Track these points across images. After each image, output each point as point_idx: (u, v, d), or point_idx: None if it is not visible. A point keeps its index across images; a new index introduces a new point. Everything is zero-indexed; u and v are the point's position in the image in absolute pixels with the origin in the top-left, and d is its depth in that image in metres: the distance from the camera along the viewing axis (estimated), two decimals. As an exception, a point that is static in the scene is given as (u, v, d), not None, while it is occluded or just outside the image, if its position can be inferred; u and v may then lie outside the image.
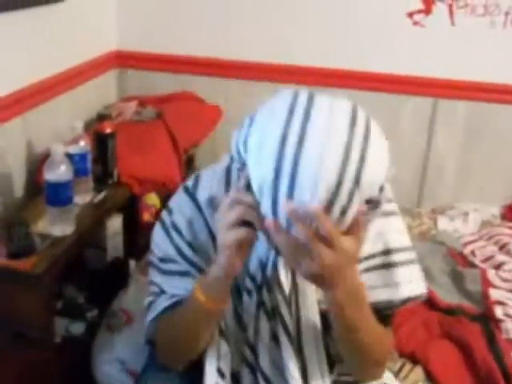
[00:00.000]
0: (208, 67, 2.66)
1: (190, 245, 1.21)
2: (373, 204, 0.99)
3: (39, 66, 2.06)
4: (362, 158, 0.92)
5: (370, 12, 2.47)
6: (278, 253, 1.03)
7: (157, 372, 1.31)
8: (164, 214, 1.26)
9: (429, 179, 2.69)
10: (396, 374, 1.62)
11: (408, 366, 1.67)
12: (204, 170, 1.27)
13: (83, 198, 1.81)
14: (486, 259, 2.13)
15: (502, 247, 2.20)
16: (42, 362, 1.62)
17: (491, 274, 1.99)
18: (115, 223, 2.06)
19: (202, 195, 1.20)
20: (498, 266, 2.07)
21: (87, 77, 2.40)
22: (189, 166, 2.58)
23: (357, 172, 0.91)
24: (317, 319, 1.20)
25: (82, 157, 1.78)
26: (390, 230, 1.20)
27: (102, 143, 1.91)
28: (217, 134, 2.62)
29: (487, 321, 1.80)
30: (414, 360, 1.69)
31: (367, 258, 1.19)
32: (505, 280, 1.95)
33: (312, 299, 1.19)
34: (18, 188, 1.96)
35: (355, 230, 0.97)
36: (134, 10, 2.65)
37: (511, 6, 2.38)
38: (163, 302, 1.24)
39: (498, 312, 1.80)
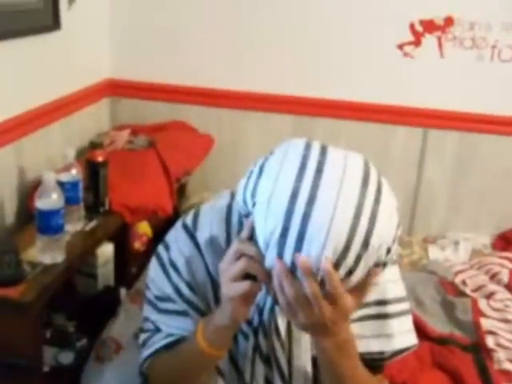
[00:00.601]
0: (200, 96, 2.69)
1: (188, 284, 1.18)
2: (379, 266, 0.98)
3: (32, 93, 2.07)
4: (372, 222, 0.90)
5: (361, 43, 2.51)
6: (275, 302, 1.01)
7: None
8: (161, 250, 1.24)
9: (420, 209, 2.70)
10: (388, 405, 1.61)
11: (400, 397, 1.67)
12: (203, 206, 1.25)
13: (74, 226, 1.81)
14: (477, 288, 2.13)
15: (493, 276, 2.20)
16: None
17: (482, 303, 1.98)
18: (106, 251, 2.05)
19: (202, 235, 1.18)
20: (489, 296, 2.07)
21: (80, 105, 2.42)
22: (180, 194, 2.59)
23: (366, 235, 0.90)
24: (309, 364, 1.19)
25: (74, 185, 1.78)
26: (386, 280, 1.19)
27: (93, 172, 1.91)
28: (208, 162, 2.63)
29: (479, 351, 1.79)
30: (406, 390, 1.68)
31: (362, 306, 1.16)
32: (496, 309, 1.95)
33: (306, 344, 1.18)
34: (9, 215, 1.96)
35: (360, 291, 0.97)
36: (127, 40, 2.68)
37: (498, 39, 2.42)
38: (159, 341, 1.22)
39: (490, 342, 1.79)
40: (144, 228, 2.30)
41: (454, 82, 2.50)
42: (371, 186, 0.92)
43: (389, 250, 0.95)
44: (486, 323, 1.87)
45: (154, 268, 1.24)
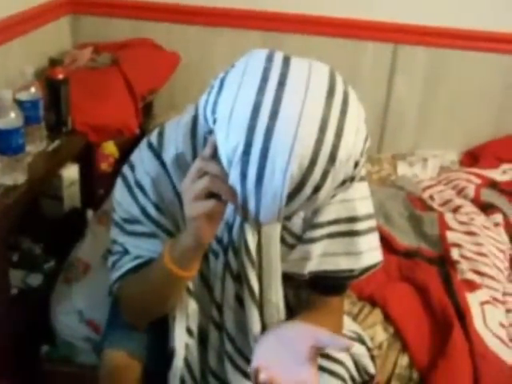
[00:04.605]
0: (166, 13, 2.60)
1: (155, 205, 1.16)
2: (347, 181, 0.95)
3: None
4: (338, 135, 0.87)
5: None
6: (244, 219, 0.98)
7: (122, 328, 1.29)
8: (126, 170, 1.21)
9: (389, 126, 2.69)
10: (355, 317, 1.65)
11: (367, 309, 1.70)
12: (167, 123, 1.21)
13: (36, 146, 1.76)
14: (444, 203, 2.15)
15: (460, 191, 2.22)
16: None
17: (448, 217, 2.01)
18: (71, 172, 2.02)
19: (168, 153, 1.15)
20: (455, 210, 2.09)
21: (39, 23, 2.32)
22: (147, 113, 2.54)
23: (332, 149, 0.87)
24: (279, 280, 1.19)
25: (33, 104, 1.72)
26: (356, 197, 1.18)
27: (54, 89, 1.85)
28: (175, 80, 2.57)
29: (444, 263, 1.83)
30: (373, 302, 1.71)
31: (332, 223, 1.17)
32: (461, 223, 1.97)
33: (276, 259, 1.17)
34: (-32, 137, 1.90)
35: None
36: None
37: None
38: (128, 263, 1.21)
39: (455, 254, 1.82)
40: (110, 149, 2.26)
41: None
42: (337, 97, 0.89)
43: (357, 164, 0.93)
44: (451, 236, 1.90)
45: (119, 189, 1.22)
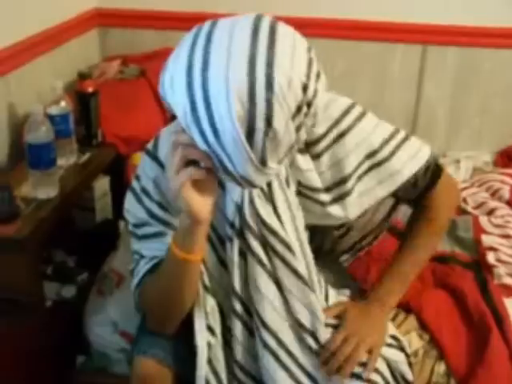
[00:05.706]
0: (191, 22, 2.55)
1: (159, 204, 1.22)
2: (302, 108, 0.97)
3: (17, 27, 2.00)
4: (270, 63, 0.91)
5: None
6: (232, 180, 1.01)
7: (150, 336, 1.29)
8: (133, 182, 1.28)
9: (420, 128, 2.65)
10: (389, 324, 1.62)
11: (401, 316, 1.66)
12: (163, 128, 1.28)
13: (67, 159, 1.79)
14: (478, 206, 2.11)
15: (494, 193, 2.17)
16: (33, 326, 1.61)
17: (483, 220, 1.97)
18: (103, 184, 2.04)
19: (162, 151, 1.21)
20: (490, 212, 2.05)
21: (67, 37, 2.34)
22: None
23: (267, 78, 0.91)
24: (307, 247, 1.22)
25: (64, 117, 1.75)
26: (367, 132, 1.21)
27: (84, 103, 1.87)
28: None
29: (479, 267, 1.79)
30: (408, 309, 1.68)
31: (356, 169, 1.21)
32: (497, 226, 1.93)
33: (300, 224, 1.21)
34: (1, 152, 1.92)
35: None
36: (112, -35, 2.57)
37: None
38: (144, 267, 1.25)
39: (490, 258, 1.79)
40: (140, 159, 2.27)
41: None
42: (262, 31, 0.94)
43: (305, 87, 0.95)
44: (486, 240, 1.86)
45: (128, 199, 1.28)
